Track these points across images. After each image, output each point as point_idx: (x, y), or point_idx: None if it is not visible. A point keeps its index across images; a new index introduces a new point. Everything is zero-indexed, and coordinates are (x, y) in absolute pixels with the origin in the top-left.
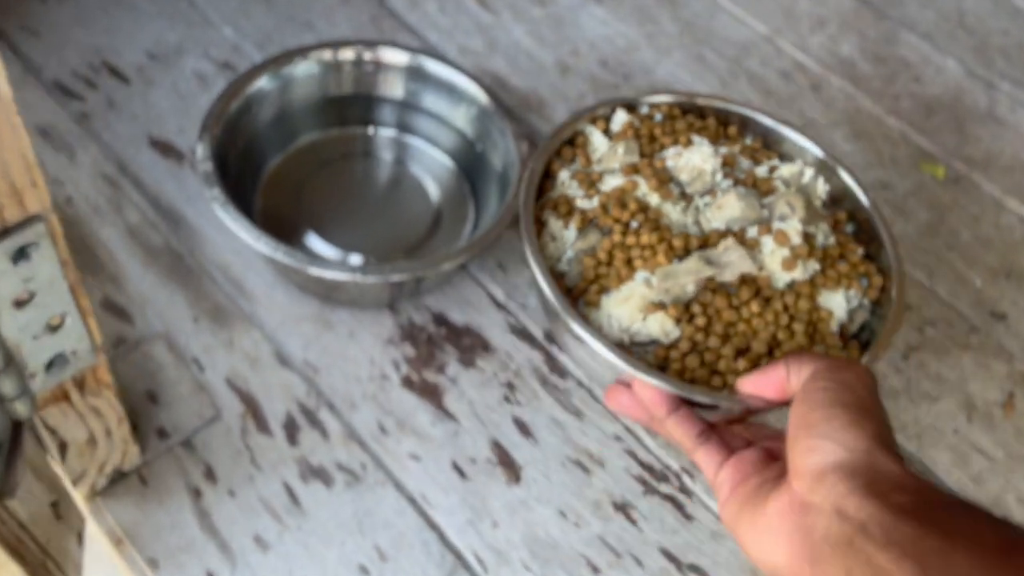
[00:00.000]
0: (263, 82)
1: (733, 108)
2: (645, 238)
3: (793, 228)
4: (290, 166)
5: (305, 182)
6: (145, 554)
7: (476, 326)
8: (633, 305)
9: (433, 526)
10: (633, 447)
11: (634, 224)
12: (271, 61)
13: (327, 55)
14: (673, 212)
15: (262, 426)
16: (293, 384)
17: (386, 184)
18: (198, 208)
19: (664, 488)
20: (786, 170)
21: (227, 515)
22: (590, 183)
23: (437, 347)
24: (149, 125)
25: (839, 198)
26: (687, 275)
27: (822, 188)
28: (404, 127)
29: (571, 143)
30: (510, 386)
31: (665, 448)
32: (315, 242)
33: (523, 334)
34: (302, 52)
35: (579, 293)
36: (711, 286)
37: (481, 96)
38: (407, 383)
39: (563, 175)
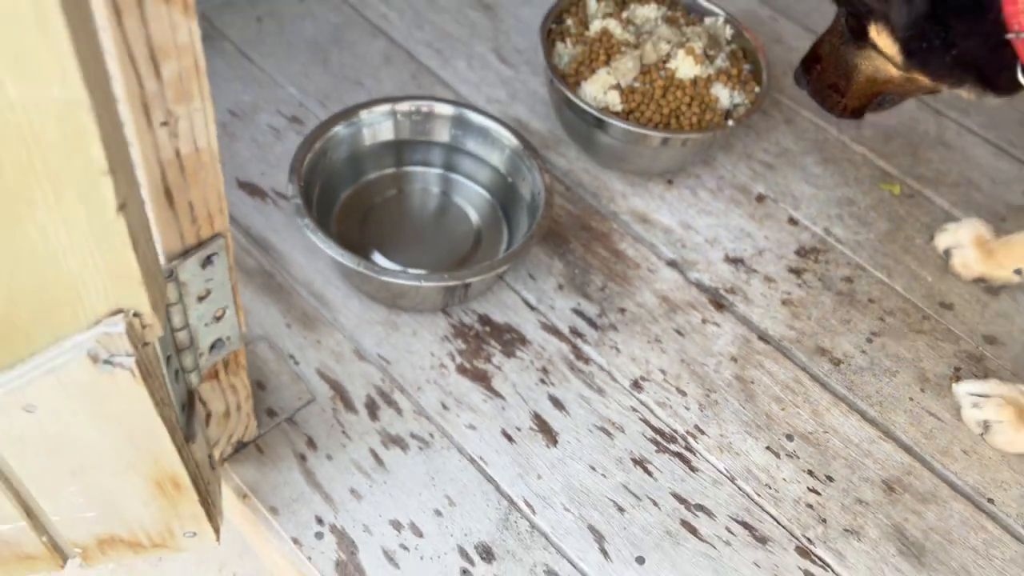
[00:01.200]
0: (338, 129)
1: None
2: (605, 50)
3: (698, 46)
4: (358, 198)
5: (370, 211)
6: (267, 504)
7: (514, 324)
8: (598, 84)
9: (490, 479)
10: (647, 416)
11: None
12: (341, 114)
13: (388, 108)
14: (628, 37)
15: (348, 406)
16: (370, 373)
17: (435, 212)
18: (282, 236)
19: (673, 447)
20: (708, 21)
21: (327, 474)
22: (582, 21)
23: (483, 341)
24: (236, 170)
25: (750, 50)
26: (627, 72)
27: (728, 32)
28: (449, 166)
29: (575, 4)
30: (544, 371)
31: (673, 416)
32: (379, 259)
33: (553, 330)
34: (367, 106)
35: (571, 79)
36: (642, 82)
37: (512, 139)
38: (461, 370)
39: (567, 20)
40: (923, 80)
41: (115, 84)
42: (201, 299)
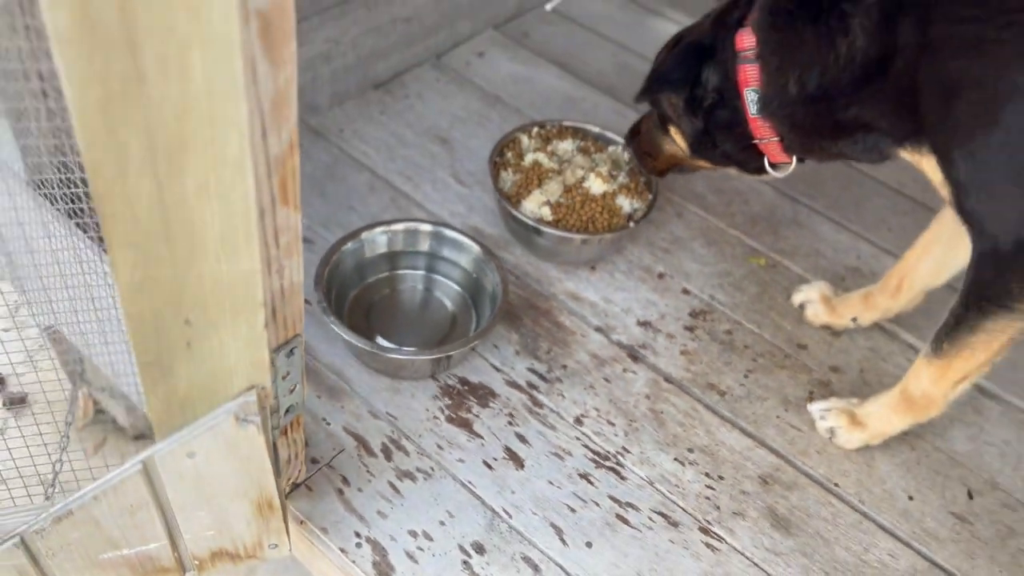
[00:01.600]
0: (347, 247)
1: (589, 128)
2: (537, 176)
3: (604, 169)
4: (362, 297)
5: (372, 306)
6: (318, 526)
7: (486, 383)
8: (534, 201)
9: (477, 497)
10: (587, 442)
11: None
12: (349, 235)
13: (383, 228)
14: (553, 165)
15: (369, 452)
16: (382, 427)
17: (421, 304)
18: (308, 331)
19: (608, 464)
20: (611, 148)
21: (359, 502)
22: (518, 155)
23: (464, 397)
24: None
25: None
26: (554, 191)
27: (626, 156)
28: (430, 269)
29: (513, 141)
30: (511, 415)
31: (606, 441)
32: (383, 342)
33: (514, 385)
34: (368, 228)
35: (514, 199)
36: (565, 198)
37: (476, 247)
38: (449, 420)
39: (507, 154)
40: (704, 164)
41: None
42: (284, 378)
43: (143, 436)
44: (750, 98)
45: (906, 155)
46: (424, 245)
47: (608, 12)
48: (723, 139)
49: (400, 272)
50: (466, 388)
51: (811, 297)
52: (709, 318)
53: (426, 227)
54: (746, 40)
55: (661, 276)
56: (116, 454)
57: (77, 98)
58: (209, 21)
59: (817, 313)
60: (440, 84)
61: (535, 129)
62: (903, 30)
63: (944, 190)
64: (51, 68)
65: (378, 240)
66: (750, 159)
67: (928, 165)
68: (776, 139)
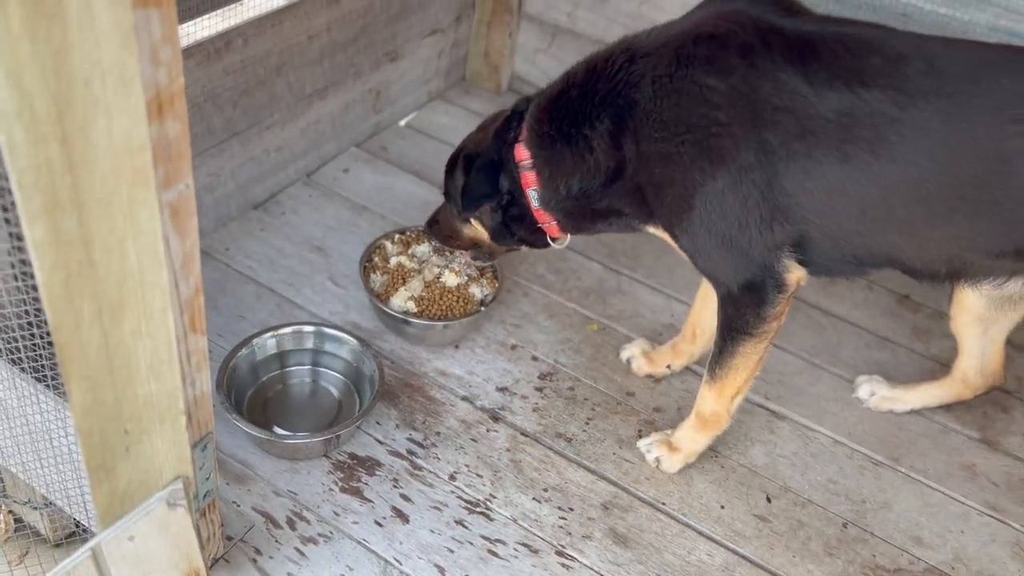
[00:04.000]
0: (242, 353)
1: None
2: (401, 276)
3: (456, 265)
4: (259, 393)
5: (268, 401)
6: None
7: (372, 455)
8: (400, 297)
9: (371, 551)
10: (461, 494)
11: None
12: (242, 343)
13: (271, 333)
14: (414, 266)
15: (276, 525)
16: (286, 503)
17: (310, 394)
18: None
19: (479, 509)
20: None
21: (271, 567)
22: (384, 258)
23: (354, 470)
24: None
25: None
26: (417, 288)
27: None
28: (316, 363)
29: (379, 247)
30: (395, 480)
31: (476, 491)
32: (279, 431)
33: (396, 454)
34: (258, 334)
35: (383, 296)
36: (426, 292)
37: (353, 340)
38: (343, 490)
39: (375, 259)
40: (502, 246)
41: (178, 372)
42: (200, 468)
43: (64, 543)
44: (532, 196)
45: (652, 230)
46: (309, 343)
47: (454, 124)
48: (517, 228)
49: (290, 369)
50: (355, 461)
51: (634, 353)
52: (555, 378)
53: (309, 328)
54: (522, 153)
55: (514, 347)
56: (39, 563)
57: (46, 279)
58: (139, 220)
59: (640, 366)
60: (312, 199)
61: (397, 236)
62: (626, 147)
63: (683, 254)
64: (26, 259)
65: (268, 344)
66: (537, 239)
67: (666, 238)
68: (554, 223)
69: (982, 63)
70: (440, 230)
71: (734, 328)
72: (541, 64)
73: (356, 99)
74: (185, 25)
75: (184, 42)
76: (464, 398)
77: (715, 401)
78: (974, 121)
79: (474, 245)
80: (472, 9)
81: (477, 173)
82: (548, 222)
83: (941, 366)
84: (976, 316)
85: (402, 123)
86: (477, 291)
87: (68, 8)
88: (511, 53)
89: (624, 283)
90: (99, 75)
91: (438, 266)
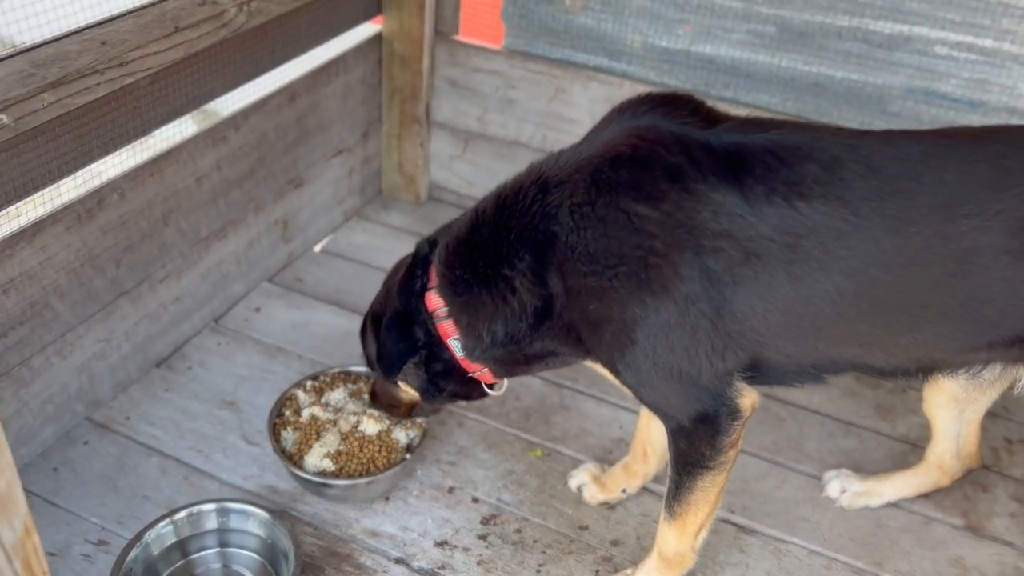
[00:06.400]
0: (134, 553)
1: (359, 370)
2: (315, 430)
3: (376, 411)
4: None
5: None
6: None
7: None
8: (315, 456)
9: None
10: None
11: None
12: (132, 541)
13: (167, 520)
14: (328, 416)
15: None
16: None
17: None
18: None
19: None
20: None
21: None
22: (296, 411)
23: None
24: None
25: None
26: (333, 442)
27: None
28: (223, 543)
29: (290, 398)
30: None
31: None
32: None
33: None
34: (150, 527)
35: (296, 456)
36: (344, 446)
37: (263, 513)
38: None
39: (286, 412)
40: (437, 406)
41: None
42: None
43: None
44: (455, 346)
45: (592, 365)
46: (211, 523)
47: (374, 242)
48: (446, 382)
49: (193, 557)
50: None
51: (584, 480)
52: (499, 521)
53: (209, 506)
54: (435, 302)
55: (451, 490)
56: None
57: None
58: None
59: (593, 494)
60: (221, 347)
61: (309, 382)
62: (552, 284)
63: (624, 388)
64: None
65: (163, 534)
66: (472, 390)
67: (607, 374)
68: (486, 369)
69: (921, 157)
70: (381, 403)
71: (689, 463)
72: (458, 170)
73: (261, 233)
74: (48, 190)
75: (48, 207)
76: (398, 560)
77: (677, 540)
78: (923, 223)
79: (415, 408)
80: (379, 123)
81: (387, 332)
82: (479, 370)
83: (912, 447)
84: (952, 396)
85: (317, 248)
86: (402, 436)
87: None
88: (426, 163)
89: (567, 397)
90: None
91: (355, 413)
